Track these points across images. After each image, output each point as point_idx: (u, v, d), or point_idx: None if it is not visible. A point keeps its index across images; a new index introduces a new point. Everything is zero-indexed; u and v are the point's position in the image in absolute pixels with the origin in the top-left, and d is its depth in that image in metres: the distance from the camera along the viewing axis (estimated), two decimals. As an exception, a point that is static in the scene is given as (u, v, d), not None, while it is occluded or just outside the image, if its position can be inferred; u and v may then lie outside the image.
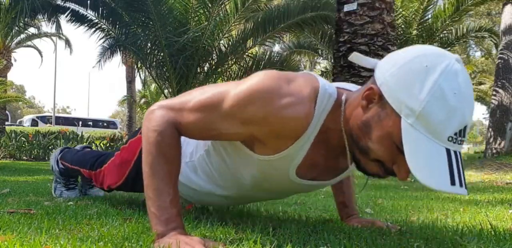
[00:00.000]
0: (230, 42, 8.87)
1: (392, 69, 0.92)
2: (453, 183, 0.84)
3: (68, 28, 62.34)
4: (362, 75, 5.77)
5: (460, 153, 0.88)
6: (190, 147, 1.34)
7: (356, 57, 1.04)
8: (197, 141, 1.31)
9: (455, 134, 0.86)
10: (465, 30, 9.27)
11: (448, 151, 0.86)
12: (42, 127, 20.37)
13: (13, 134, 9.77)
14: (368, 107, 0.95)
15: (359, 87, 1.14)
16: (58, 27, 10.42)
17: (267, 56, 9.46)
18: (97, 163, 1.77)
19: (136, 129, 1.68)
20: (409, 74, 0.89)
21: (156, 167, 1.05)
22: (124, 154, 1.58)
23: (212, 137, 1.13)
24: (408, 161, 0.86)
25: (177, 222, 1.03)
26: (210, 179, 1.31)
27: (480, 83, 24.99)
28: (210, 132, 1.08)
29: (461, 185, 0.85)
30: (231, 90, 1.03)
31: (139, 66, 9.61)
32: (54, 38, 17.49)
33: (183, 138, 1.13)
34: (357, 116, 0.97)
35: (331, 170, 1.17)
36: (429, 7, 8.73)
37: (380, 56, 5.88)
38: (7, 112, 15.34)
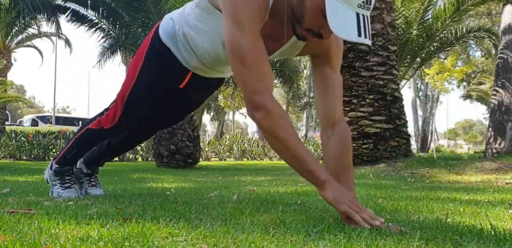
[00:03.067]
0: (230, 42, 8.85)
1: None
2: (359, 35, 1.21)
3: (68, 28, 62.39)
4: (362, 75, 5.78)
5: (367, 16, 1.25)
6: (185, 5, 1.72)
7: None
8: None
9: (363, 2, 1.23)
10: (464, 30, 9.26)
11: (357, 14, 1.22)
12: (42, 127, 20.37)
13: (13, 134, 9.78)
14: None
15: None
16: (58, 27, 10.43)
17: (267, 56, 9.45)
18: (104, 109, 2.02)
19: None
20: None
21: (291, 138, 1.32)
22: (140, 48, 1.89)
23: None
24: (329, 21, 1.19)
25: (327, 174, 1.35)
26: (196, 38, 1.64)
27: (480, 83, 24.98)
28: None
29: (365, 37, 1.23)
30: (236, 14, 1.32)
31: (139, 66, 9.57)
32: (54, 38, 17.49)
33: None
34: None
35: (274, 41, 1.47)
36: (429, 7, 8.72)
37: (380, 56, 5.88)
38: (7, 112, 15.34)
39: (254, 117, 1.32)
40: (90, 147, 2.20)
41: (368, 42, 1.24)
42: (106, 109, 2.02)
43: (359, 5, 1.22)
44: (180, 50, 1.76)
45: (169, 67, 1.82)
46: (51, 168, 2.23)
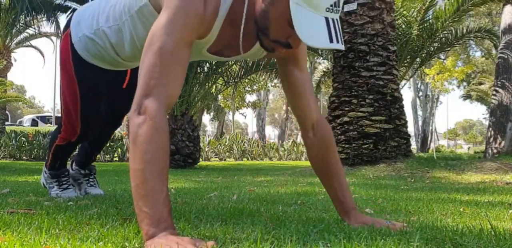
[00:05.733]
0: (230, 42, 8.86)
1: None
2: (331, 41, 1.11)
3: (68, 28, 62.11)
4: (362, 75, 5.77)
5: (337, 19, 1.15)
6: (97, 16, 1.63)
7: None
8: (119, 9, 1.53)
9: (331, 5, 1.13)
10: (464, 30, 9.26)
11: (327, 19, 1.12)
12: (42, 127, 20.36)
13: (13, 134, 9.78)
14: None
15: None
16: (57, 26, 10.43)
17: (267, 56, 9.45)
18: (57, 128, 2.05)
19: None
20: None
21: (153, 164, 1.05)
22: (64, 68, 1.83)
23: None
24: (296, 29, 1.10)
25: (168, 222, 1.03)
26: (126, 44, 1.55)
27: (480, 83, 24.99)
28: (181, 57, 1.18)
29: (337, 42, 1.12)
30: (168, 17, 1.16)
31: (139, 66, 9.57)
32: (54, 38, 17.49)
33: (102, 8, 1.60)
34: (257, 4, 1.21)
35: (233, 49, 1.38)
36: (430, 8, 8.72)
37: (380, 56, 5.88)
38: (7, 112, 15.35)
39: (133, 121, 1.10)
40: (70, 154, 2.22)
41: (341, 46, 1.13)
42: (59, 127, 2.04)
43: (328, 9, 1.12)
44: (110, 63, 1.74)
45: (106, 77, 1.82)
46: (45, 173, 2.25)
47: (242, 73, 8.79)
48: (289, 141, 19.50)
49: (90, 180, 2.34)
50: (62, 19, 9.36)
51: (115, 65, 1.76)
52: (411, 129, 24.66)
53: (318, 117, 1.49)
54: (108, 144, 9.87)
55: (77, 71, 1.80)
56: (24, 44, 16.58)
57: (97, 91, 1.88)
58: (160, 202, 1.03)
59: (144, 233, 1.02)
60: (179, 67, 1.17)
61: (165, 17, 1.17)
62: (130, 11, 1.49)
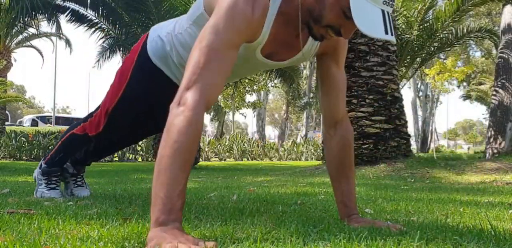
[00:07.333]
0: (230, 42, 8.87)
1: None
2: (386, 32, 1.17)
3: (68, 28, 62.40)
4: (362, 75, 5.77)
5: (389, 13, 1.20)
6: (174, 23, 1.64)
7: None
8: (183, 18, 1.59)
9: None
10: (465, 30, 9.27)
11: (383, 11, 1.18)
12: (42, 127, 20.36)
13: (13, 134, 9.78)
14: None
15: None
16: (58, 27, 10.43)
17: (267, 56, 9.45)
18: (88, 115, 1.99)
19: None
20: None
21: (180, 154, 1.08)
22: (123, 65, 1.80)
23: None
24: (355, 18, 1.15)
25: (177, 214, 1.05)
26: (186, 53, 1.48)
27: (480, 83, 25.00)
28: (230, 56, 1.20)
29: (391, 34, 1.18)
30: (218, 19, 1.19)
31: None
32: (54, 38, 17.50)
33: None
34: None
35: (289, 49, 1.41)
36: (431, 8, 8.73)
37: (380, 56, 5.88)
38: (7, 112, 15.35)
39: (171, 112, 1.15)
40: (76, 150, 2.18)
41: (394, 39, 1.20)
42: (90, 115, 1.98)
43: (384, 2, 1.19)
44: (172, 70, 1.70)
45: (159, 86, 1.75)
46: (40, 167, 2.22)
47: (242, 73, 8.80)
48: (289, 141, 19.50)
49: (78, 180, 2.32)
50: (62, 19, 9.34)
51: (176, 74, 1.71)
52: (411, 129, 24.66)
53: (343, 117, 1.54)
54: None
55: (136, 69, 1.76)
56: (24, 44, 16.57)
57: (140, 99, 1.80)
58: (176, 193, 1.05)
59: (154, 220, 1.03)
60: (223, 66, 1.19)
61: (214, 19, 1.21)
62: (190, 19, 1.50)
